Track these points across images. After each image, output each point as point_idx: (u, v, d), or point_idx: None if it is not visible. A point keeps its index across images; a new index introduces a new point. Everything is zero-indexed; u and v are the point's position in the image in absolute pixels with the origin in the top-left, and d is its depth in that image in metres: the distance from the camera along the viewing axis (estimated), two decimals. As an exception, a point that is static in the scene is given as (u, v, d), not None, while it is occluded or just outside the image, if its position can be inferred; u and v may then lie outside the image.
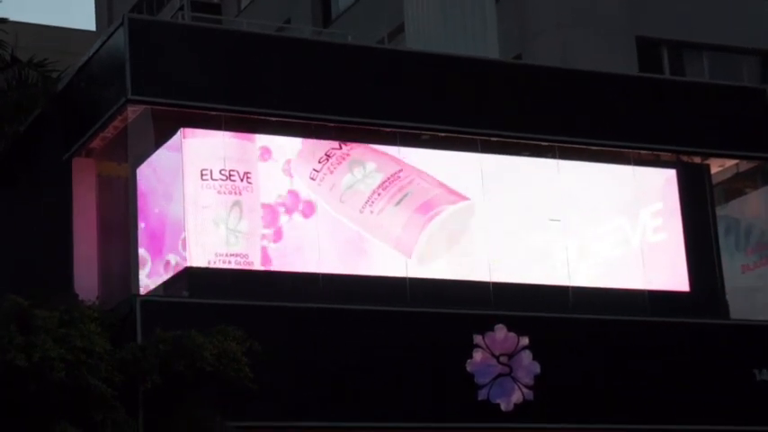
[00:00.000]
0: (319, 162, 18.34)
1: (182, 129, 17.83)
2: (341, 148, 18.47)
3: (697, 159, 20.82)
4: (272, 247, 17.92)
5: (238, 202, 17.86)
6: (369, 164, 18.57)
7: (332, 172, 18.36)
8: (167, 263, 17.80)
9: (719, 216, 21.08)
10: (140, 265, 18.07)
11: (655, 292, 19.79)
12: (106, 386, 15.10)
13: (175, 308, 17.12)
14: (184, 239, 17.48)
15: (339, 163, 18.45)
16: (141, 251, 18.09)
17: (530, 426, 18.17)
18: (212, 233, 17.63)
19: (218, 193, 17.79)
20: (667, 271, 20.02)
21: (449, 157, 19.17)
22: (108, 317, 16.40)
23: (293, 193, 18.18)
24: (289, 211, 18.12)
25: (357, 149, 18.57)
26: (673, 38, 30.20)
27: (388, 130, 18.84)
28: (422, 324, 18.05)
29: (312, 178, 18.26)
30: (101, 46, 18.62)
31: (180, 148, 17.81)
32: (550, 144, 19.75)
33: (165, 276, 17.78)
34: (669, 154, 20.58)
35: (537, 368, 18.25)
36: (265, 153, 18.13)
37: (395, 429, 17.67)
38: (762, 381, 19.48)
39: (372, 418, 17.43)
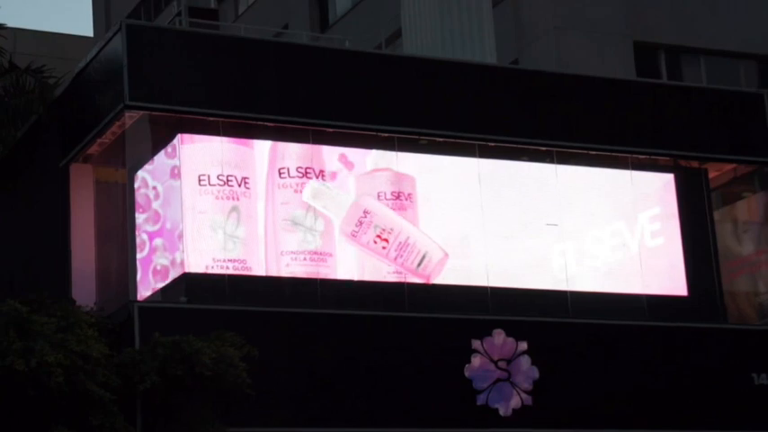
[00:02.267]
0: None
1: (179, 134, 17.82)
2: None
3: (695, 164, 20.82)
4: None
5: (236, 207, 17.85)
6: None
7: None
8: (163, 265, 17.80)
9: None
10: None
11: (653, 296, 19.78)
12: (104, 391, 15.08)
13: (173, 313, 17.10)
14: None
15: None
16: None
17: (528, 431, 18.15)
18: (210, 238, 17.62)
19: (216, 198, 17.78)
20: (666, 275, 20.02)
21: (446, 161, 19.17)
22: (106, 322, 16.40)
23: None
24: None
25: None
26: (670, 42, 30.22)
27: (386, 135, 18.84)
28: (420, 329, 18.04)
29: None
30: (98, 52, 18.61)
31: (177, 154, 17.79)
32: (548, 149, 19.75)
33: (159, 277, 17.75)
34: (667, 158, 20.59)
35: (535, 373, 18.24)
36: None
37: (393, 435, 17.66)
38: (760, 385, 19.48)
39: (371, 423, 17.41)
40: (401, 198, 18.76)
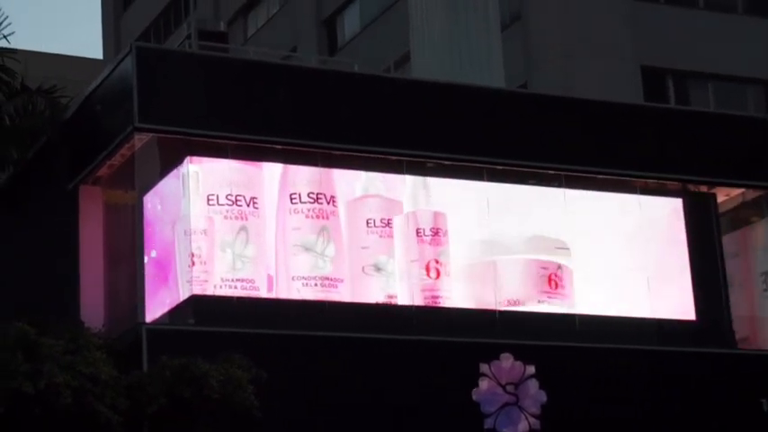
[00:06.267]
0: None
1: (188, 157, 17.86)
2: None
3: (703, 188, 20.82)
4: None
5: (245, 227, 17.88)
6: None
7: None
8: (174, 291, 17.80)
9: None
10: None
11: (661, 321, 19.75)
12: (112, 413, 15.07)
13: (181, 336, 17.10)
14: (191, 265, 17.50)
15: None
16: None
17: (536, 455, 18.13)
18: (219, 258, 17.64)
19: (225, 218, 17.81)
20: (674, 300, 19.99)
21: (454, 185, 19.19)
22: (114, 344, 16.39)
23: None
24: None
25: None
26: (678, 67, 30.30)
27: (394, 158, 18.86)
28: (428, 352, 18.01)
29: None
30: (108, 74, 18.67)
31: (187, 175, 17.82)
32: (556, 173, 19.76)
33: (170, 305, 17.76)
34: (675, 183, 20.58)
35: (543, 397, 18.21)
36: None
37: (401, 458, 17.62)
38: (769, 410, 19.44)
39: (378, 447, 17.39)
40: (390, 225, 18.72)
